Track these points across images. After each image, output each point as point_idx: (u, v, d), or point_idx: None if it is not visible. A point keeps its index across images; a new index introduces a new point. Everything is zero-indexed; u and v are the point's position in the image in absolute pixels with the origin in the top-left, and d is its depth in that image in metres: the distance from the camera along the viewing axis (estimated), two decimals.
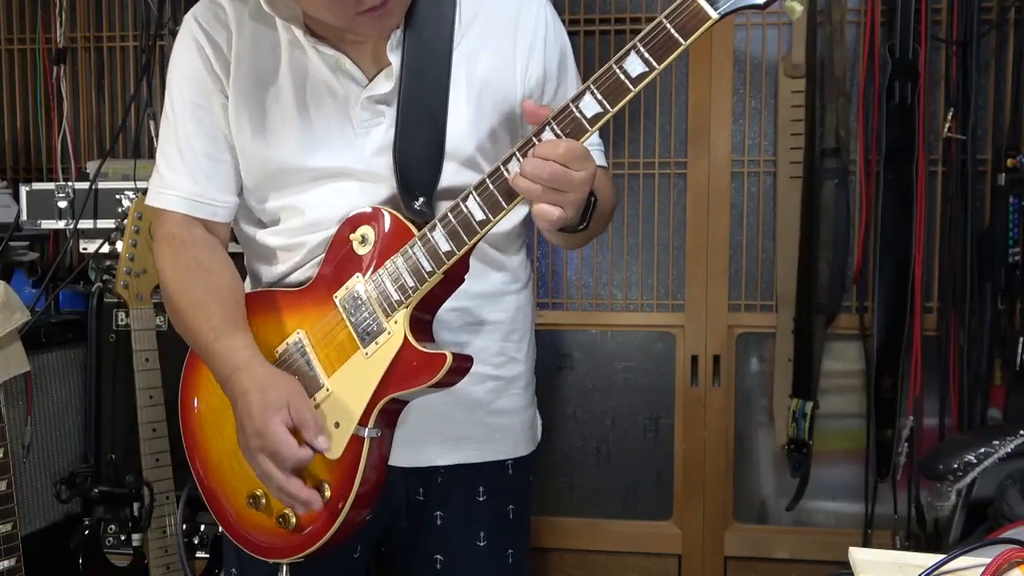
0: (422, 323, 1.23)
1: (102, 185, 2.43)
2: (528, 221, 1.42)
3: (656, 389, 2.75)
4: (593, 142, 1.36)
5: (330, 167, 1.28)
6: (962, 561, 1.02)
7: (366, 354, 1.22)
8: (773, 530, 2.72)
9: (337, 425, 1.22)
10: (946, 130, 2.48)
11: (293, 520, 1.25)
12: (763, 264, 2.70)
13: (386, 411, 1.22)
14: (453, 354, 1.18)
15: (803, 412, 2.55)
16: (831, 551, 2.60)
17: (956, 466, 2.05)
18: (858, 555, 1.08)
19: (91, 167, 2.51)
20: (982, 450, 2.04)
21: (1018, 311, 2.45)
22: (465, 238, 1.16)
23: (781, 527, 2.72)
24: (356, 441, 1.21)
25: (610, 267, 2.76)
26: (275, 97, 1.29)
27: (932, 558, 1.03)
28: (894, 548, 2.57)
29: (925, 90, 2.49)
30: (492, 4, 1.32)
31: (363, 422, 1.21)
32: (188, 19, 1.33)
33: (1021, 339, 2.41)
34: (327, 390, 1.24)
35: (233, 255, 1.39)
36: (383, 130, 1.27)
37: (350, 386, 1.22)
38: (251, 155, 1.31)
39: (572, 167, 1.09)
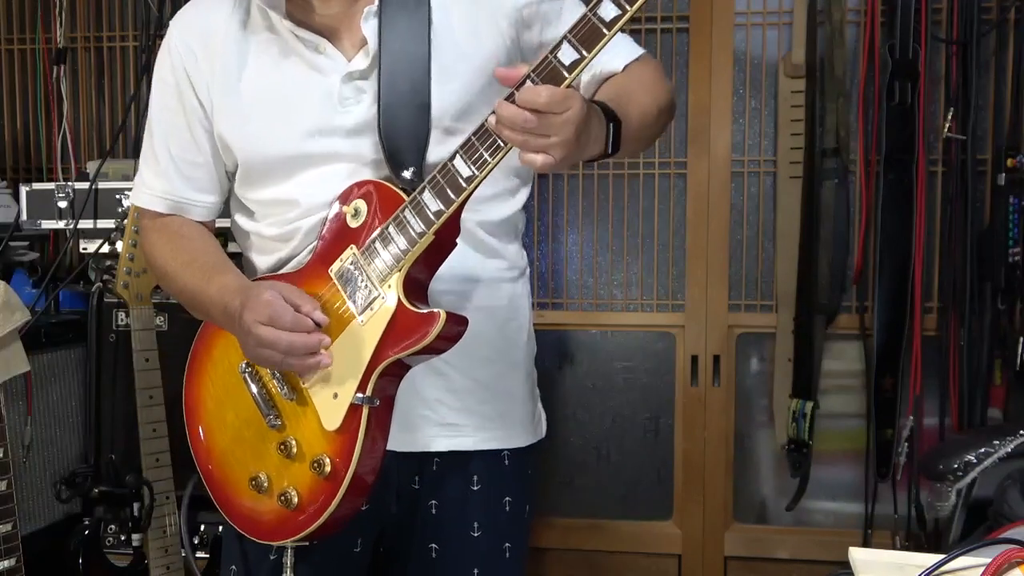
0: (416, 288, 1.24)
1: (102, 185, 2.42)
2: (524, 211, 1.43)
3: (656, 389, 2.75)
4: (620, 39, 1.34)
5: (317, 150, 1.30)
6: (962, 561, 1.02)
7: (361, 321, 1.22)
8: (773, 530, 2.72)
9: (335, 396, 1.23)
10: (946, 130, 2.48)
11: (295, 499, 1.25)
12: (763, 264, 2.70)
13: (384, 378, 1.22)
14: (447, 312, 1.19)
15: (803, 412, 2.56)
16: (831, 551, 2.60)
17: (956, 466, 2.05)
18: (858, 555, 1.08)
19: (91, 167, 2.51)
20: (982, 450, 2.04)
21: (1018, 311, 2.45)
22: (452, 195, 1.17)
23: (781, 527, 2.72)
24: (355, 411, 1.21)
25: (610, 267, 2.76)
26: (257, 85, 1.31)
27: (932, 558, 1.03)
28: (894, 548, 2.57)
29: (925, 90, 2.49)
30: None
31: (361, 390, 1.21)
32: (172, 22, 1.38)
33: (1021, 339, 2.41)
34: None
35: (233, 255, 1.40)
36: (365, 107, 1.28)
37: (347, 355, 1.22)
38: (237, 144, 1.33)
39: (554, 111, 1.09)
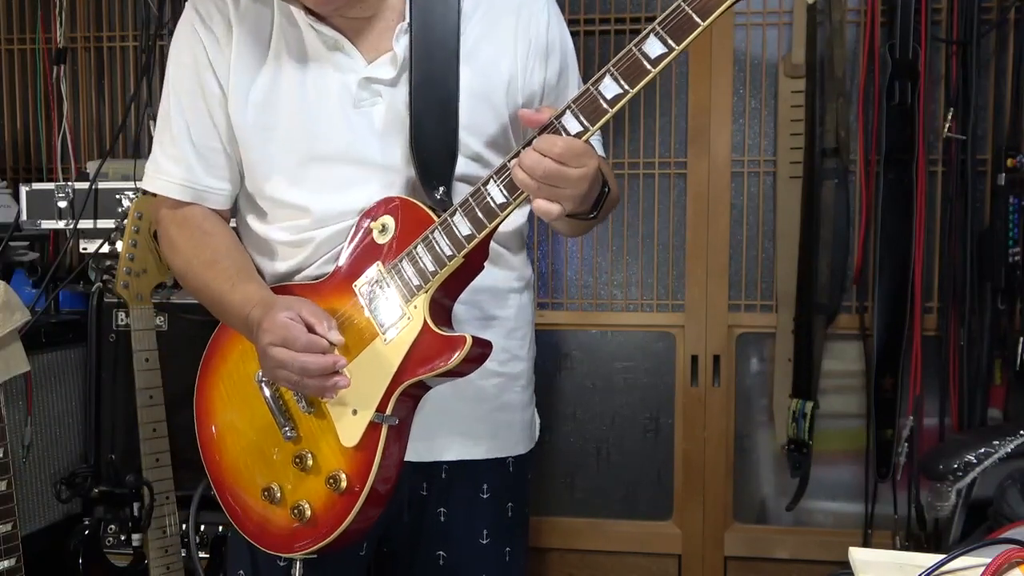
0: (441, 309, 1.24)
1: (102, 185, 2.42)
2: (530, 219, 1.43)
3: (656, 389, 2.75)
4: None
5: (327, 150, 1.29)
6: (962, 561, 1.02)
7: (385, 340, 1.22)
8: (773, 530, 2.72)
9: (355, 412, 1.22)
10: (946, 130, 2.48)
11: (308, 512, 1.25)
12: (763, 264, 2.69)
13: (404, 398, 1.22)
14: (473, 337, 1.19)
15: (803, 412, 2.56)
16: (831, 551, 2.60)
17: (956, 466, 2.05)
18: (858, 555, 1.08)
19: (91, 167, 2.51)
20: (982, 450, 2.05)
21: (1018, 311, 2.45)
22: (485, 221, 1.17)
23: (781, 527, 2.72)
24: (374, 429, 1.21)
25: (610, 267, 2.76)
26: (273, 78, 1.30)
27: (932, 558, 1.03)
28: (894, 548, 2.57)
29: (925, 90, 2.49)
30: None
31: (381, 408, 1.21)
32: (187, 6, 1.34)
33: (1021, 339, 2.41)
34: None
35: None
36: (380, 113, 1.28)
37: (369, 373, 1.22)
38: (251, 137, 1.32)
39: (570, 164, 1.10)
